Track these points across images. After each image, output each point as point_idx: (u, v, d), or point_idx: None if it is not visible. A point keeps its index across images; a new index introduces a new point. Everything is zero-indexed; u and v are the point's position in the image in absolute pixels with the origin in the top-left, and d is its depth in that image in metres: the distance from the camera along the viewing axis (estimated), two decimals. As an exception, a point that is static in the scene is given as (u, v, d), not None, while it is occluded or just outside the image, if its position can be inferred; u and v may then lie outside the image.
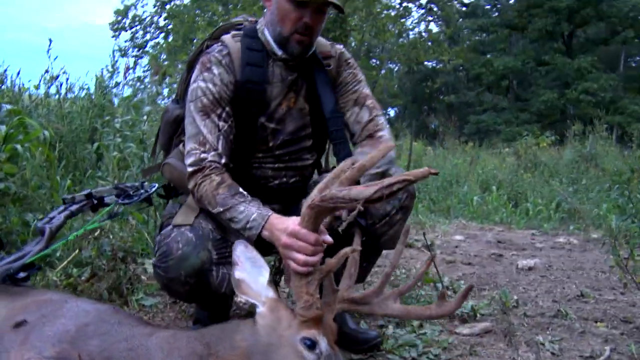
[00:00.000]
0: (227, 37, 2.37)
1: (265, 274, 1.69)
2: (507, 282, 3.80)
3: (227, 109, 2.26)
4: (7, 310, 1.72)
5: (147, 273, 3.40)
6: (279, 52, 2.33)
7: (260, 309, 1.66)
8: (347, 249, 1.67)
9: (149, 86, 8.05)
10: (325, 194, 1.55)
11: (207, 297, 2.23)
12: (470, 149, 13.78)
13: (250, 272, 1.69)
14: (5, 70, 5.22)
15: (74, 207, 2.05)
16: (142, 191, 2.12)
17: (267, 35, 2.34)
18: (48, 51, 5.35)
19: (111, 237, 3.07)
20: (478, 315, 2.95)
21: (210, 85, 2.24)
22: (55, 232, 1.95)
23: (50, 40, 5.31)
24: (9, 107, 3.59)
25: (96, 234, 3.04)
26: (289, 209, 2.38)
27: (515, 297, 3.24)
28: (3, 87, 5.18)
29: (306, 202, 1.66)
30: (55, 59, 5.38)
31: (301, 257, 1.70)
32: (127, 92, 6.46)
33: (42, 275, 2.98)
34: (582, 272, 4.29)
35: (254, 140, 2.35)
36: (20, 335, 1.59)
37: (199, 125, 2.21)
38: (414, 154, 10.30)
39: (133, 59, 27.91)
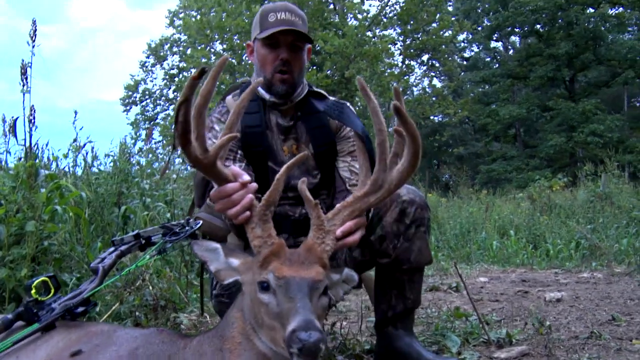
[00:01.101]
0: (228, 98, 2.61)
1: (219, 251, 1.77)
2: (538, 313, 3.83)
3: (239, 152, 2.47)
4: (64, 342, 1.84)
5: (184, 324, 3.48)
6: (267, 96, 2.54)
7: (240, 278, 1.75)
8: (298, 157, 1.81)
9: (162, 156, 8.38)
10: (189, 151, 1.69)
11: None
12: (484, 196, 13.85)
13: (214, 259, 1.77)
14: (37, 141, 5.45)
15: (123, 247, 2.18)
16: (187, 228, 2.24)
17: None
18: (74, 122, 5.61)
19: (151, 288, 3.19)
20: (513, 340, 2.99)
21: (215, 141, 2.43)
22: (107, 270, 2.07)
23: (76, 112, 5.57)
24: (46, 172, 3.77)
25: (137, 284, 3.16)
26: None
27: (548, 323, 3.27)
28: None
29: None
30: (81, 128, 5.62)
31: (230, 212, 1.79)
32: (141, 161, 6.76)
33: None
34: (610, 300, 4.31)
35: (268, 183, 2.50)
36: (77, 362, 1.70)
37: None
38: (429, 206, 10.40)
39: (144, 132, 28.70)
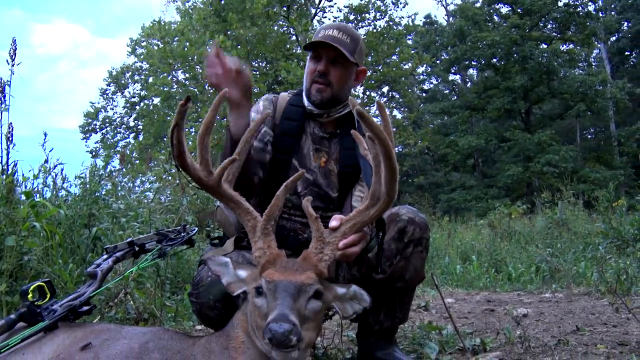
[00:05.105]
0: (283, 93, 2.81)
1: (229, 264, 1.88)
2: (508, 324, 3.97)
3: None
4: (70, 339, 1.89)
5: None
6: (306, 103, 2.69)
7: (247, 288, 1.85)
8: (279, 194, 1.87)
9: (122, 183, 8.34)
10: None
11: None
12: (446, 223, 14.12)
13: (225, 273, 1.88)
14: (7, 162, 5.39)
15: (118, 254, 2.23)
16: (183, 234, 2.30)
17: (303, 93, 2.73)
18: (43, 144, 5.59)
19: (132, 302, 3.21)
20: (487, 347, 3.11)
21: (253, 114, 2.59)
22: (105, 274, 2.12)
23: (46, 134, 5.56)
24: (21, 189, 3.77)
25: (116, 300, 3.18)
26: None
27: (518, 333, 3.41)
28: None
29: None
30: (51, 150, 5.59)
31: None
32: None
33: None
34: (573, 315, 4.50)
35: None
36: (90, 354, 1.77)
37: None
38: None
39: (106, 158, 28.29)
